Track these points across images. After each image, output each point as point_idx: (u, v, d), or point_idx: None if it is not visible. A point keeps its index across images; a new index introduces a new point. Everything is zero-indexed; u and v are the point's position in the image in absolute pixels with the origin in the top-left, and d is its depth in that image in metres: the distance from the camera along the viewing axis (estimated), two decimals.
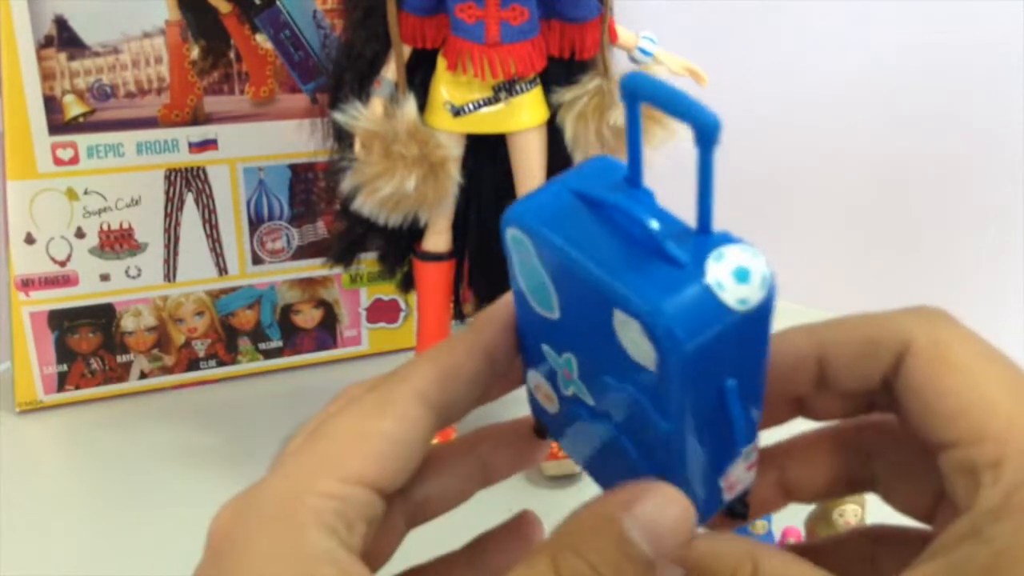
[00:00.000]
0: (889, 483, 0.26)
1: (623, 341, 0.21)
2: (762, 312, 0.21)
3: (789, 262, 0.94)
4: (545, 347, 0.24)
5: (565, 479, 0.56)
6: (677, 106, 0.20)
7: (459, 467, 0.27)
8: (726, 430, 0.22)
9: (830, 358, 0.24)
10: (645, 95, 0.21)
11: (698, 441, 0.22)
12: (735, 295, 0.20)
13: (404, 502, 0.26)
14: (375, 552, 0.25)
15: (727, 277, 0.20)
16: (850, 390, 0.25)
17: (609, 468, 0.25)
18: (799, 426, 0.28)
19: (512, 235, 0.23)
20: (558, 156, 0.52)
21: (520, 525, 0.29)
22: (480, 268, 0.57)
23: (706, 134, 0.20)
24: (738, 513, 0.26)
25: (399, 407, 0.23)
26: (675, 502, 0.22)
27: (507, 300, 0.25)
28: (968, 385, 0.22)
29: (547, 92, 0.51)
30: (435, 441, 0.25)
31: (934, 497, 0.25)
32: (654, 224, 0.21)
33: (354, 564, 0.22)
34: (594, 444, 0.25)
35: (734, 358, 0.21)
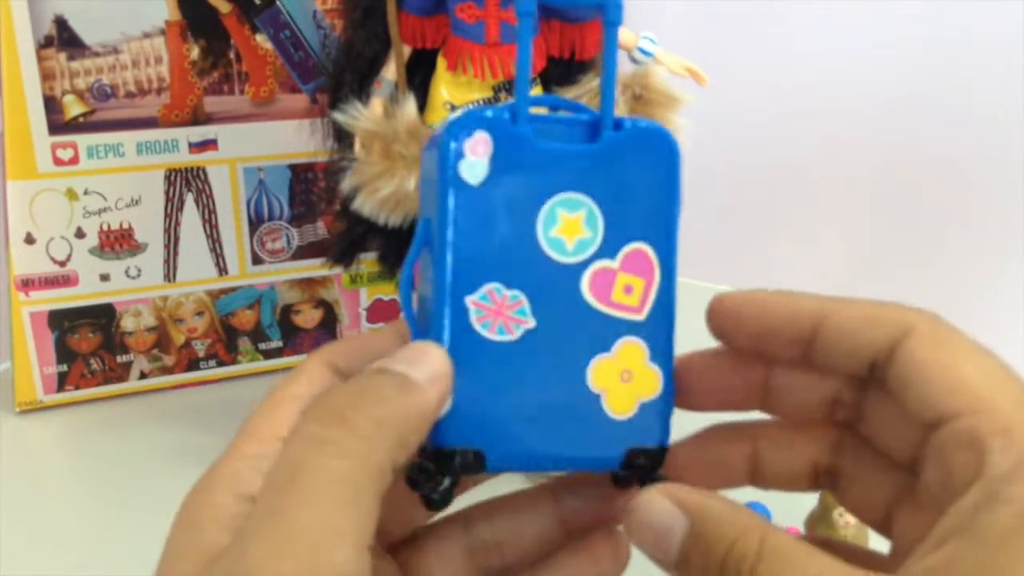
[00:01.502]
0: (850, 481, 0.26)
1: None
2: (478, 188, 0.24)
3: (790, 258, 0.94)
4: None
5: None
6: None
7: (534, 510, 0.28)
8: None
9: (828, 322, 0.25)
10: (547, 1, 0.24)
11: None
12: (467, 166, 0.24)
13: (466, 535, 0.28)
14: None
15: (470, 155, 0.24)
16: (837, 365, 0.25)
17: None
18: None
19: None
20: None
21: (600, 542, 0.29)
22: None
23: (611, 12, 0.23)
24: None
25: (306, 373, 0.26)
26: (432, 346, 0.24)
27: None
28: (969, 365, 0.23)
29: (547, 92, 0.51)
30: None
31: (892, 500, 0.25)
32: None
33: (240, 512, 0.23)
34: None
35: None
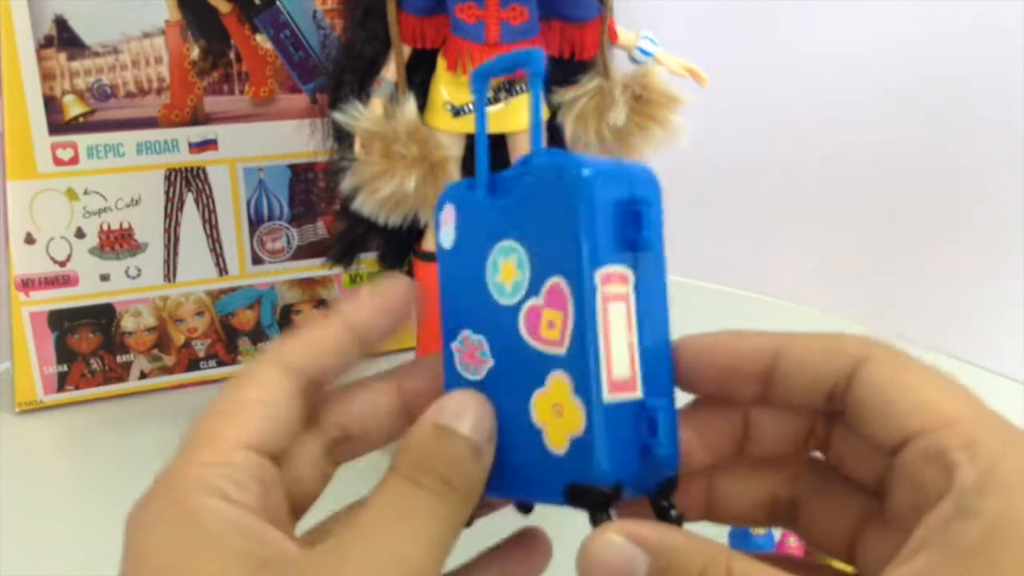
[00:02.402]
0: (810, 511, 0.27)
1: None
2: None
3: (791, 258, 0.94)
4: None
5: None
6: (504, 63, 0.26)
7: (374, 397, 0.28)
8: None
9: (785, 357, 0.25)
10: (489, 72, 0.27)
11: None
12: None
13: (321, 437, 0.28)
14: (298, 497, 0.27)
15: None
16: (795, 400, 0.25)
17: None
18: None
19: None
20: None
21: (526, 541, 0.29)
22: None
23: (534, 68, 0.26)
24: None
25: (259, 375, 0.26)
26: (469, 393, 0.26)
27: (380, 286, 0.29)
28: (928, 386, 0.23)
29: (547, 92, 0.51)
30: None
31: (856, 525, 0.25)
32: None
33: (244, 517, 0.23)
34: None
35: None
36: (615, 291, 0.24)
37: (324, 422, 0.28)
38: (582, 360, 0.24)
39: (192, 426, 0.25)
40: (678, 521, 0.25)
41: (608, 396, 0.24)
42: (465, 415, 0.25)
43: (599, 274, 0.24)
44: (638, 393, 0.25)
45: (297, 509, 0.27)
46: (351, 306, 0.27)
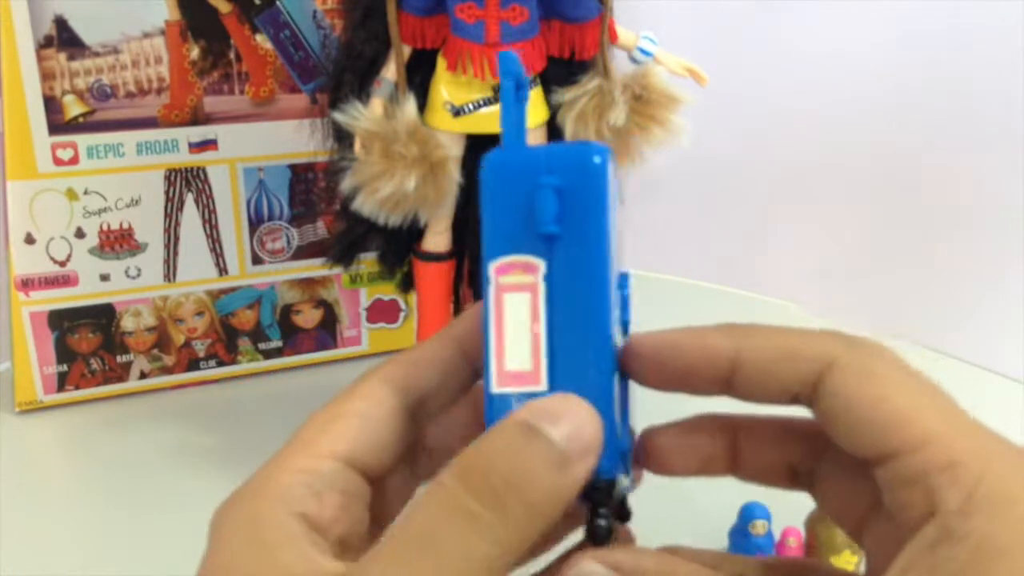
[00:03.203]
0: (827, 485, 0.26)
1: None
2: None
3: (791, 257, 0.94)
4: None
5: None
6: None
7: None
8: None
9: (744, 361, 0.24)
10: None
11: None
12: None
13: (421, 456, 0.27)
14: (391, 516, 0.26)
15: None
16: (761, 401, 0.25)
17: None
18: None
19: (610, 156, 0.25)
20: None
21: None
22: (480, 268, 0.57)
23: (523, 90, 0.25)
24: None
25: (365, 389, 0.25)
26: (574, 399, 0.23)
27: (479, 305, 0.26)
28: (900, 396, 0.22)
29: (547, 92, 0.51)
30: None
31: (865, 510, 0.25)
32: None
33: (307, 533, 0.23)
34: None
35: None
36: (515, 281, 0.24)
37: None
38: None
39: (294, 432, 0.25)
40: (606, 533, 0.24)
41: (496, 388, 0.24)
42: (562, 418, 0.22)
43: (494, 266, 0.24)
44: (541, 386, 0.24)
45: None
46: (457, 323, 0.27)
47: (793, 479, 0.27)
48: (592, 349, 0.24)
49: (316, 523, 0.23)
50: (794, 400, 0.24)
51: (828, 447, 0.26)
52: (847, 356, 0.23)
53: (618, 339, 0.25)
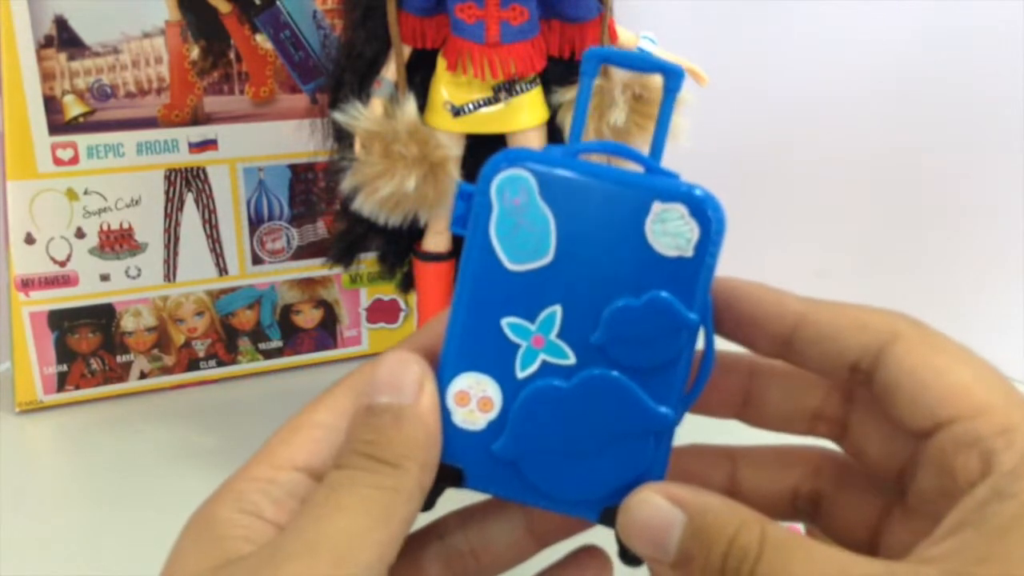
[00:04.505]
0: (832, 505, 0.27)
1: (654, 238, 0.24)
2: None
3: (791, 256, 0.94)
4: (507, 322, 0.25)
5: None
6: (644, 63, 0.27)
7: (504, 517, 0.28)
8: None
9: (811, 323, 0.25)
10: (615, 61, 0.26)
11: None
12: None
13: (442, 544, 0.28)
14: None
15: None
16: (816, 366, 0.25)
17: (578, 442, 0.25)
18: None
19: (508, 177, 0.25)
20: None
21: (584, 558, 0.29)
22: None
23: (673, 80, 0.25)
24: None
25: (329, 400, 0.26)
26: (395, 356, 0.25)
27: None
28: (960, 368, 0.23)
29: (547, 92, 0.51)
30: None
31: (879, 516, 0.26)
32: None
33: (255, 525, 0.24)
34: (557, 423, 0.25)
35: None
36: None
37: (445, 535, 0.28)
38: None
39: (267, 439, 0.26)
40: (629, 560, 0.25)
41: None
42: (385, 384, 0.25)
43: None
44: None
45: None
46: (422, 332, 0.27)
47: (794, 506, 0.27)
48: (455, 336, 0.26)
49: (275, 525, 0.24)
50: (851, 369, 0.25)
51: (829, 466, 0.27)
52: (911, 331, 0.24)
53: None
